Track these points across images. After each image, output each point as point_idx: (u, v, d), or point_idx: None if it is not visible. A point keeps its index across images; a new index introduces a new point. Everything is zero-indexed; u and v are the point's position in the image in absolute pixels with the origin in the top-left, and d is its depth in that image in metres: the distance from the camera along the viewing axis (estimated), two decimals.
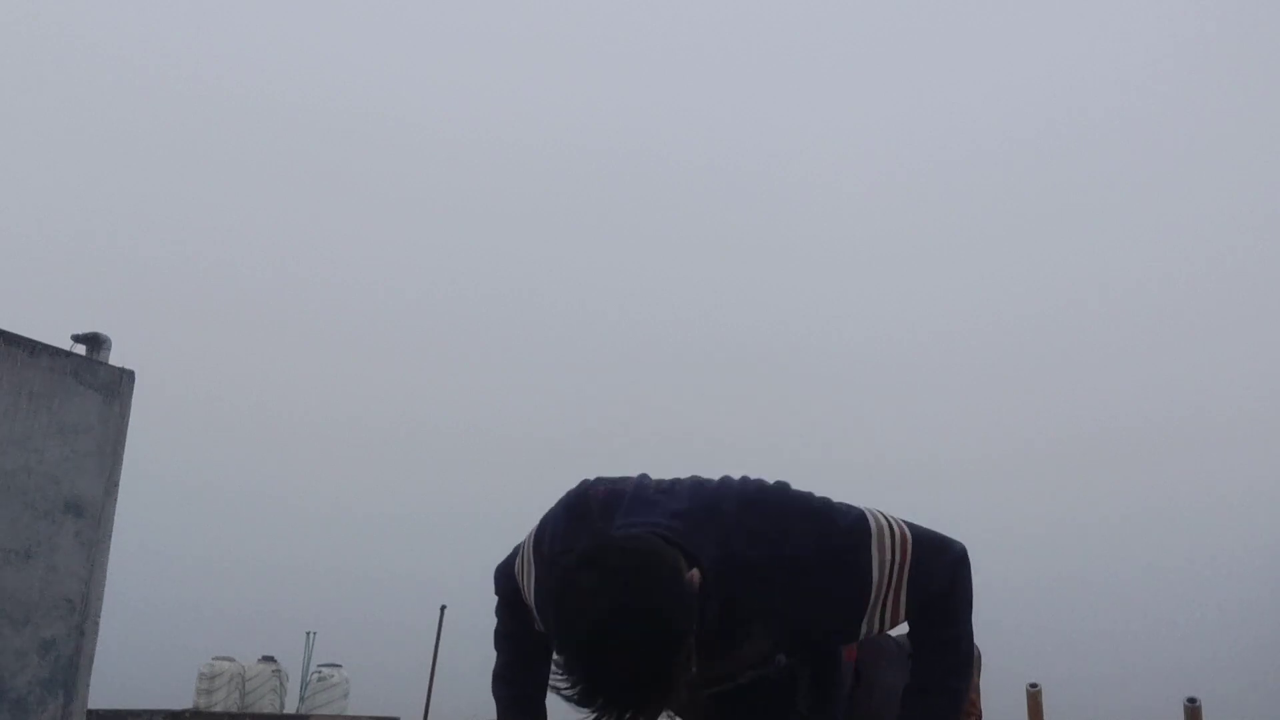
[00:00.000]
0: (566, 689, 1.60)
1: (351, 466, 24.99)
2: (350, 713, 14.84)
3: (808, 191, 29.71)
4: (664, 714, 1.83)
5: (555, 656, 1.64)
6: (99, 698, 5.65)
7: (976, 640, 1.99)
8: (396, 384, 27.17)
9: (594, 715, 1.58)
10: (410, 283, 28.93)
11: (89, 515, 5.09)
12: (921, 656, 1.93)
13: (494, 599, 2.16)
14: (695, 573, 1.65)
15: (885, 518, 1.87)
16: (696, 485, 1.89)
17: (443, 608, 12.17)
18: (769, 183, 30.18)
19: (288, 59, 29.75)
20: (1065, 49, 29.84)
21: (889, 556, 1.82)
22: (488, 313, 28.73)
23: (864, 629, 1.85)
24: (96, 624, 5.11)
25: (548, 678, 2.09)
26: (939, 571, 1.86)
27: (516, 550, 2.07)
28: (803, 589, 1.79)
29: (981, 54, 29.87)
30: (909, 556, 1.83)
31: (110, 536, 5.20)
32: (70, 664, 4.96)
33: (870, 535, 1.83)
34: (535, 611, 1.99)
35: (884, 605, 1.83)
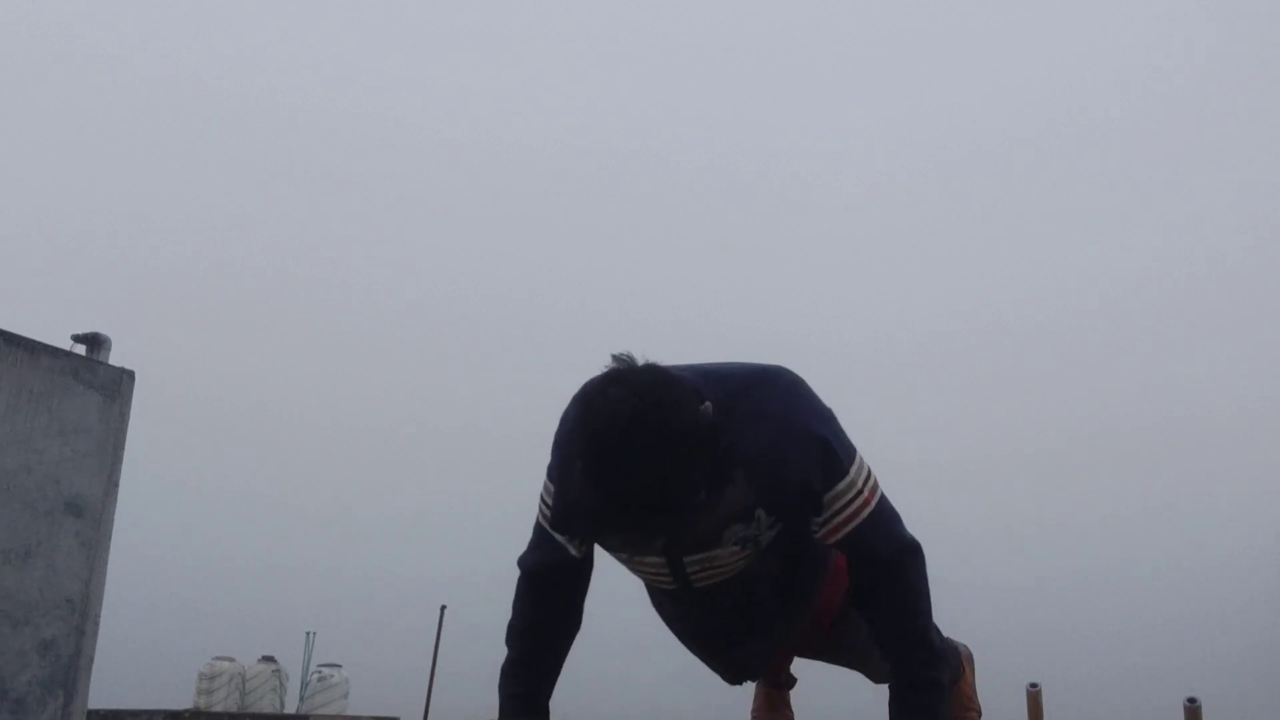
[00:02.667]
0: (578, 506, 1.66)
1: (351, 467, 25.01)
2: (350, 713, 14.83)
3: (808, 191, 29.72)
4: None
5: (571, 476, 1.69)
6: (99, 698, 5.65)
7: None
8: (397, 384, 27.19)
9: (607, 527, 1.66)
10: (410, 283, 28.95)
11: (89, 515, 5.09)
12: (894, 655, 1.98)
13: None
14: (709, 404, 1.72)
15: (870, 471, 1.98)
16: (711, 364, 1.97)
17: (443, 608, 12.18)
18: (769, 183, 30.19)
19: (288, 59, 29.77)
20: (1067, 49, 29.86)
21: (860, 485, 1.93)
22: (488, 313, 28.75)
23: (822, 516, 1.92)
24: (96, 624, 5.11)
25: (554, 677, 2.11)
26: (886, 536, 1.96)
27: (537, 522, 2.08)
28: (784, 448, 1.86)
29: (983, 54, 29.88)
30: (874, 502, 1.95)
31: (110, 536, 5.20)
32: (70, 664, 4.96)
33: (855, 459, 1.94)
34: (561, 499, 1.96)
35: (842, 510, 1.92)
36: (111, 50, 27.60)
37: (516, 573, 2.10)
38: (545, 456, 2.04)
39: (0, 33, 26.05)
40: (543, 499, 2.04)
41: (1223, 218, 26.05)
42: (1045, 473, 24.73)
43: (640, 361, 1.79)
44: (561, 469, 1.94)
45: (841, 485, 1.91)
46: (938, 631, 2.08)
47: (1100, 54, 28.98)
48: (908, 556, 1.98)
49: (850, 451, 1.95)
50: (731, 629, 2.11)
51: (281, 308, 28.26)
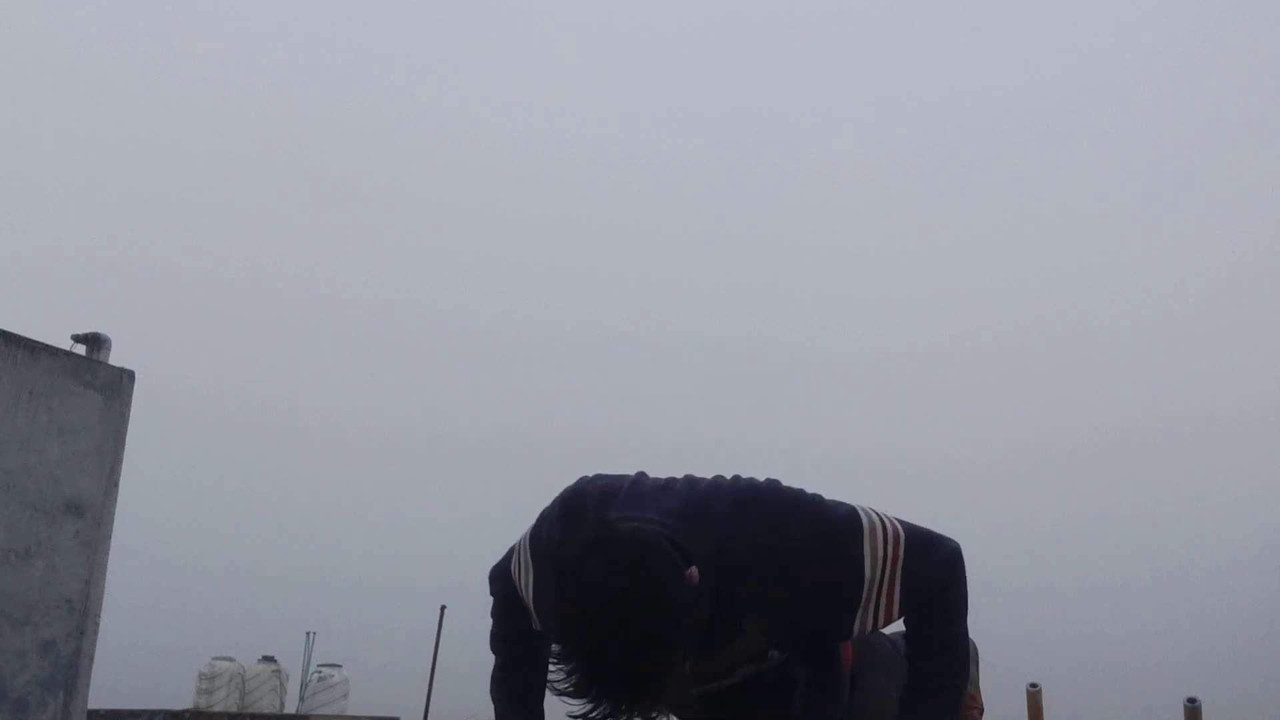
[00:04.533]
0: (563, 680, 1.59)
1: (351, 467, 25.00)
2: (350, 713, 14.83)
3: (818, 190, 29.72)
4: (660, 716, 1.83)
5: (554, 647, 1.63)
6: (99, 698, 5.65)
7: (976, 638, 1.99)
8: (398, 384, 27.20)
9: (589, 706, 1.57)
10: (412, 284, 28.94)
11: (89, 515, 5.09)
12: (918, 656, 1.93)
13: (491, 600, 2.16)
14: (694, 570, 1.65)
15: (877, 515, 1.88)
16: (690, 484, 1.89)
17: (443, 608, 12.19)
18: (770, 183, 30.19)
19: (288, 58, 29.77)
20: (1085, 44, 29.85)
21: (881, 552, 1.83)
22: (489, 314, 28.75)
23: (857, 625, 1.85)
24: (96, 624, 5.11)
25: (544, 678, 2.10)
26: (932, 569, 1.86)
27: (511, 551, 2.07)
28: (795, 583, 1.79)
29: (988, 53, 29.87)
30: (901, 553, 1.84)
31: (110, 536, 5.20)
32: (70, 664, 4.96)
33: (862, 530, 1.83)
34: (533, 609, 1.99)
35: (877, 601, 1.83)
36: (111, 49, 27.62)
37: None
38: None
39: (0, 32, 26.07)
40: (516, 556, 2.03)
41: (1235, 219, 26.06)
42: (1045, 473, 24.76)
43: (626, 476, 1.79)
44: (537, 593, 1.94)
45: (866, 587, 1.81)
46: (966, 636, 1.97)
47: (1116, 50, 29.00)
48: (954, 568, 1.89)
49: (855, 529, 1.84)
50: None
51: (282, 307, 28.27)
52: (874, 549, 1.82)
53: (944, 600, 1.88)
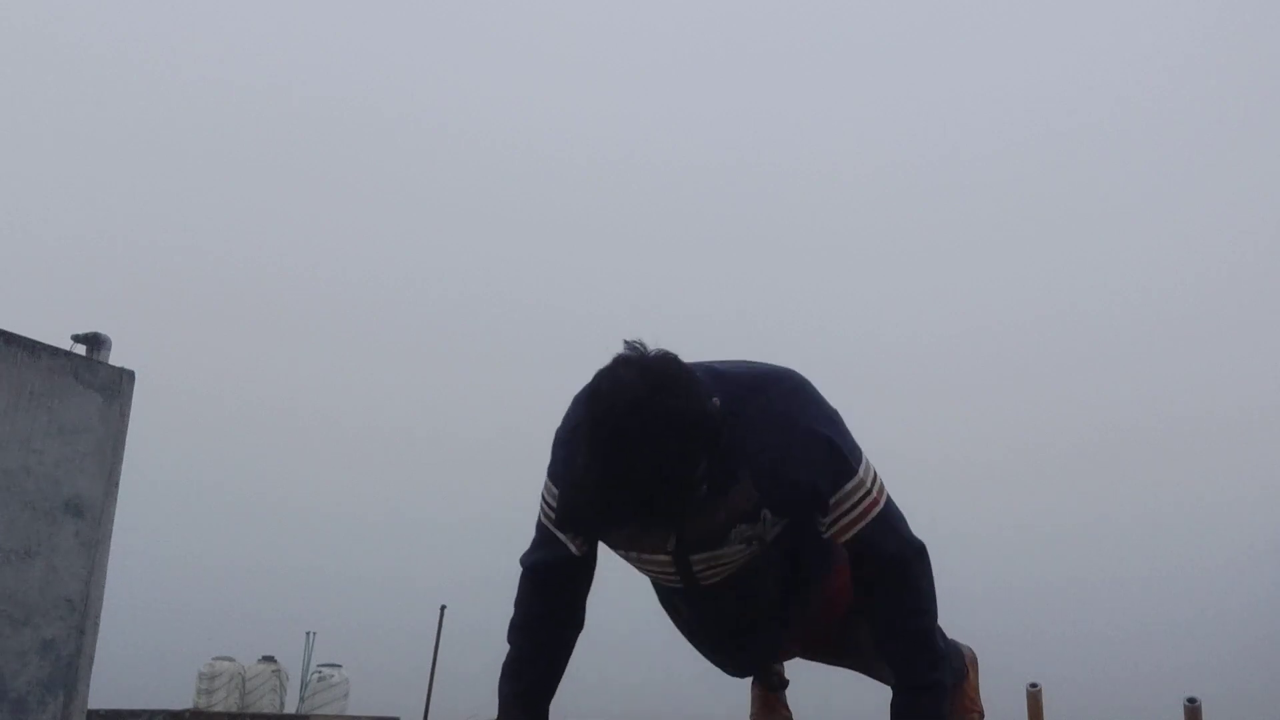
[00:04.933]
0: (584, 490, 1.63)
1: (352, 467, 25.01)
2: (350, 713, 14.83)
3: (818, 190, 29.71)
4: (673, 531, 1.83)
5: (573, 461, 1.69)
6: (99, 698, 5.65)
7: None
8: (398, 384, 27.20)
9: (609, 511, 1.63)
10: (412, 284, 28.95)
11: (89, 515, 5.09)
12: (897, 656, 1.97)
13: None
14: (717, 400, 1.72)
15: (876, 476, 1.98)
16: (715, 362, 1.97)
17: (443, 608, 12.19)
18: (770, 183, 30.18)
19: (288, 58, 29.76)
20: (1088, 43, 29.84)
21: (868, 486, 1.94)
22: (489, 314, 28.75)
23: (831, 514, 1.91)
24: (96, 624, 5.11)
25: (556, 676, 2.10)
26: (893, 537, 1.96)
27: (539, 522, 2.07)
28: (791, 450, 1.86)
29: (988, 53, 29.86)
30: (881, 503, 1.95)
31: (110, 536, 5.20)
32: (70, 664, 4.96)
33: (862, 461, 1.95)
34: (563, 486, 1.93)
35: (853, 506, 1.92)
36: (111, 49, 27.61)
37: (517, 571, 2.09)
38: (546, 456, 2.03)
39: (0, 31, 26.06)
40: (544, 498, 2.03)
41: (1231, 219, 26.06)
42: (1045, 473, 24.76)
43: (653, 349, 1.78)
44: (565, 464, 1.92)
45: (849, 486, 1.91)
46: (942, 634, 2.07)
47: (1120, 49, 28.99)
48: (914, 557, 1.98)
49: (857, 453, 1.95)
50: (738, 622, 2.11)
51: (282, 307, 28.27)
52: (864, 479, 1.93)
53: (904, 575, 1.96)
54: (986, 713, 2.64)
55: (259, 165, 28.70)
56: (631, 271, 28.84)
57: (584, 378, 1.82)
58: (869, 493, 1.93)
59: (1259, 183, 25.61)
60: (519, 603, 2.09)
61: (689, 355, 1.79)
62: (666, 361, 1.71)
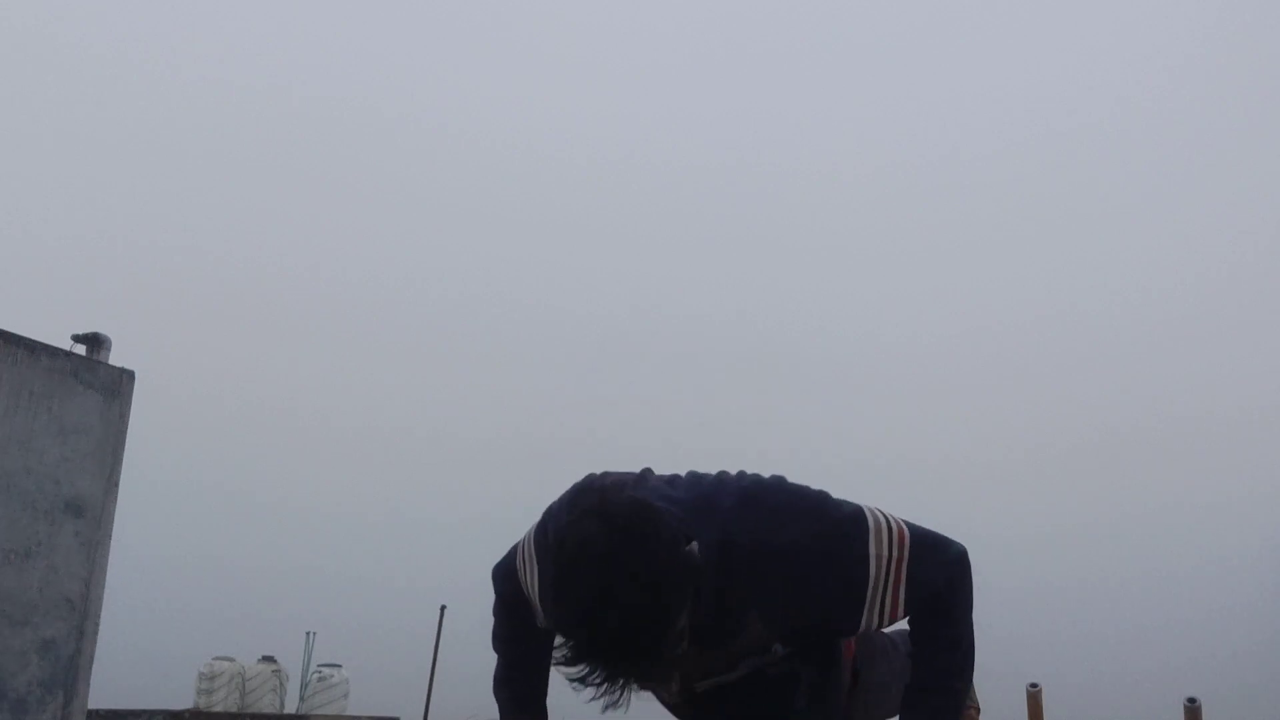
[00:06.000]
0: (561, 652, 1.57)
1: (351, 467, 24.99)
2: (350, 713, 14.83)
3: (818, 190, 29.70)
4: (661, 684, 1.82)
5: (550, 609, 1.63)
6: (99, 698, 5.65)
7: (976, 639, 1.99)
8: (398, 384, 27.19)
9: (585, 672, 1.55)
10: (412, 284, 28.94)
11: (89, 515, 5.09)
12: (922, 655, 1.93)
13: (493, 599, 2.15)
14: (695, 545, 1.64)
15: (883, 514, 1.87)
16: (696, 479, 1.89)
17: (443, 608, 12.18)
18: (770, 183, 30.18)
19: (288, 58, 29.75)
20: (1080, 45, 29.84)
21: (886, 551, 1.82)
22: (489, 313, 28.74)
23: (863, 623, 1.84)
24: (96, 624, 5.11)
25: (547, 677, 2.10)
26: (937, 569, 1.86)
27: (515, 548, 2.06)
28: (799, 579, 1.78)
29: (988, 53, 29.86)
30: (906, 553, 1.84)
31: (110, 536, 5.20)
32: (70, 664, 4.96)
33: (868, 529, 1.83)
34: (537, 603, 1.96)
35: (882, 600, 1.83)
36: (111, 49, 27.61)
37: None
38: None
39: None
40: (521, 551, 2.01)
41: (1231, 219, 26.06)
42: (1045, 473, 24.75)
43: (633, 473, 1.75)
44: (541, 581, 1.90)
45: (871, 585, 1.81)
46: (970, 637, 1.97)
47: (1120, 49, 28.98)
48: (959, 570, 1.89)
49: (861, 527, 1.83)
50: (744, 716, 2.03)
51: (282, 307, 28.26)
52: (879, 548, 1.82)
53: (948, 600, 1.88)
54: (986, 713, 2.64)
55: (259, 165, 28.70)
56: (631, 271, 28.84)
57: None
58: (891, 559, 1.82)
59: (1259, 183, 25.62)
60: (496, 616, 2.12)
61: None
62: (635, 510, 1.61)
